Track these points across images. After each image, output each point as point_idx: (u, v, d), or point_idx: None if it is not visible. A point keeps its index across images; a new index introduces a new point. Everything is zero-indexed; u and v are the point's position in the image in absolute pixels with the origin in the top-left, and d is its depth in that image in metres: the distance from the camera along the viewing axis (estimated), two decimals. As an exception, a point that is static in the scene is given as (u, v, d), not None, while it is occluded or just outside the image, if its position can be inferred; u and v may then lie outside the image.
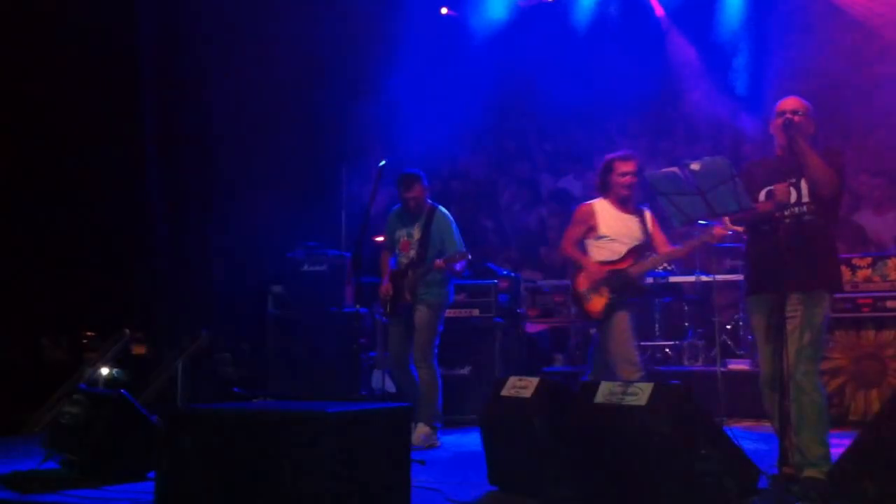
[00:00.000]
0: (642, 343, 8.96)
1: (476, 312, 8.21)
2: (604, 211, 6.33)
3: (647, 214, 6.39)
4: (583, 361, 8.97)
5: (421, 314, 6.87)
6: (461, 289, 8.22)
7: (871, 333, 7.40)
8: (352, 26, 10.70)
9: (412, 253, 6.95)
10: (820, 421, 4.76)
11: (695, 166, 4.84)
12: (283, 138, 10.54)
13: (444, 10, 11.44)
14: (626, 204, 6.35)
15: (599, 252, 6.30)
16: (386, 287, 6.99)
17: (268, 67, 10.50)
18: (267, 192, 10.06)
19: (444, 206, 7.29)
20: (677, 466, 4.12)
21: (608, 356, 6.17)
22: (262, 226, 9.62)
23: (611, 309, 6.12)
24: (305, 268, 8.46)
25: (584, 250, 6.41)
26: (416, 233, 6.97)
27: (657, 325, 9.18)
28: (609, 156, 6.48)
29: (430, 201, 7.13)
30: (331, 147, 9.56)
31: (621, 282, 6.14)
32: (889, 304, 7.38)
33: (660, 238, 6.39)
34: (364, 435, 3.96)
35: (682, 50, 11.20)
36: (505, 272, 8.98)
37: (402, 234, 7.06)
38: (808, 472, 4.63)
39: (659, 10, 11.32)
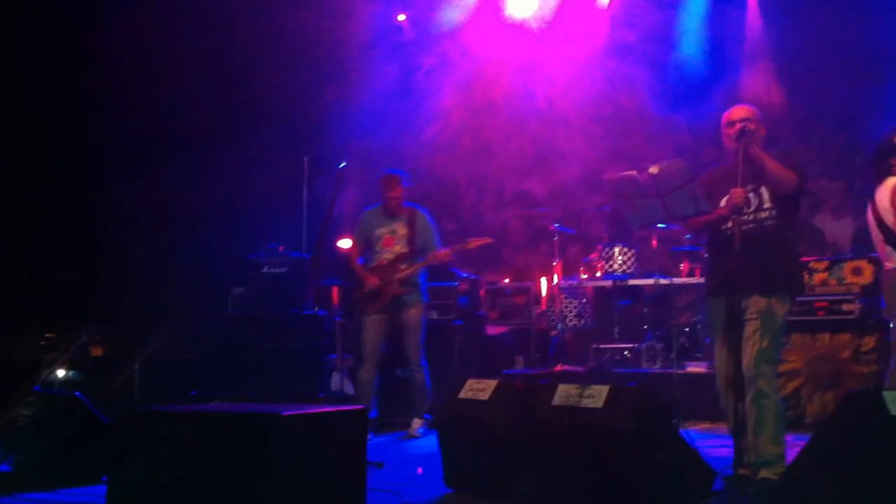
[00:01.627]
0: (601, 346, 9.07)
1: (435, 314, 8.22)
2: None
3: None
4: (542, 364, 9.02)
5: (411, 316, 7.16)
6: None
7: (826, 336, 7.46)
8: (313, 31, 10.65)
9: (398, 248, 7.19)
10: (776, 422, 4.80)
11: (653, 169, 4.86)
12: (246, 140, 10.47)
13: (401, 17, 11.41)
14: None
15: None
16: (373, 280, 7.07)
17: (231, 69, 10.43)
18: (229, 193, 10.00)
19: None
20: (633, 468, 4.13)
21: None
22: (223, 227, 9.56)
23: None
24: (266, 269, 8.43)
25: None
26: (401, 229, 7.23)
27: (616, 328, 9.24)
28: None
29: (407, 202, 7.38)
30: (293, 149, 9.50)
31: None
32: (845, 307, 7.45)
33: None
34: (320, 437, 3.93)
35: (643, 53, 11.25)
36: (465, 274, 8.99)
37: (383, 231, 7.28)
38: (763, 473, 4.67)
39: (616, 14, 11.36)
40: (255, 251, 8.58)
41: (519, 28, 11.73)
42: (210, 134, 10.24)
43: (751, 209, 4.99)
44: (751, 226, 4.96)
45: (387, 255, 7.22)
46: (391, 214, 7.29)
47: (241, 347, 8.15)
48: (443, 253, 7.06)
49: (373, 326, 7.18)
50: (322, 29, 10.48)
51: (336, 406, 4.79)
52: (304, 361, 7.91)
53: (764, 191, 4.99)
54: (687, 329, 9.00)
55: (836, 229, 9.43)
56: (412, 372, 7.23)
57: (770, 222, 4.97)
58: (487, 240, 7.39)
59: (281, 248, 8.62)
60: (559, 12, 11.57)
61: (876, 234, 5.75)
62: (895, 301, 5.72)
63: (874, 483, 3.81)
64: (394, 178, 7.30)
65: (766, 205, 4.99)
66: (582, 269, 9.27)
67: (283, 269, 8.35)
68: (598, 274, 8.97)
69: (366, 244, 7.34)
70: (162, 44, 10.09)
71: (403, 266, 7.12)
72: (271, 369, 7.87)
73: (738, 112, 5.08)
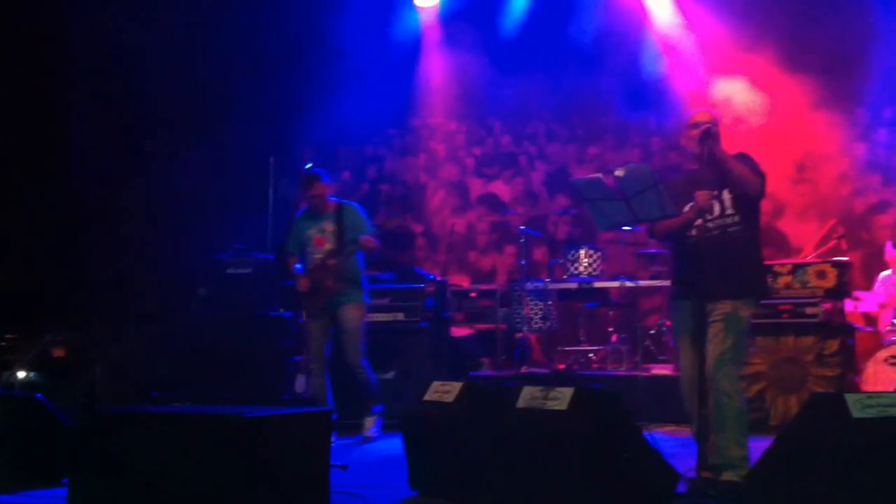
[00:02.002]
0: (567, 348, 9.09)
1: (401, 316, 8.20)
2: None
3: None
4: (508, 366, 9.02)
5: (348, 316, 6.99)
6: (386, 293, 8.22)
7: (790, 339, 7.51)
8: (280, 32, 10.60)
9: (328, 245, 7.02)
10: (739, 424, 4.83)
11: (619, 172, 4.89)
12: (213, 140, 10.39)
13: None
14: None
15: None
16: (304, 282, 6.97)
17: (199, 70, 10.36)
18: (196, 193, 9.92)
19: (371, 209, 7.38)
20: (597, 470, 4.14)
21: None
22: (189, 227, 9.49)
23: None
24: (231, 270, 8.36)
25: None
26: (329, 226, 7.04)
27: (582, 330, 9.26)
28: None
29: (334, 198, 7.16)
30: (259, 148, 9.45)
31: None
32: (808, 310, 7.50)
33: None
34: (283, 439, 3.91)
35: (612, 57, 11.30)
36: (432, 276, 8.98)
37: (312, 232, 7.10)
38: (727, 475, 4.70)
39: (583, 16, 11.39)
40: (221, 251, 8.52)
41: (490, 32, 11.77)
42: (177, 134, 10.17)
43: (714, 215, 5.01)
44: (715, 232, 4.99)
45: (318, 255, 7.05)
46: (318, 213, 7.10)
47: (206, 349, 8.08)
48: (365, 239, 6.93)
49: (314, 329, 7.07)
50: (292, 31, 10.44)
51: (300, 408, 4.76)
52: (269, 363, 7.86)
53: (726, 196, 5.02)
54: (652, 332, 9.05)
55: (801, 233, 9.52)
56: (354, 373, 7.08)
57: (734, 228, 5.01)
58: (398, 221, 7.26)
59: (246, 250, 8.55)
60: (528, 14, 11.61)
61: None
62: None
63: (837, 485, 3.84)
64: (311, 177, 7.06)
65: (729, 211, 5.02)
66: (548, 271, 9.29)
67: (248, 270, 8.28)
68: (564, 276, 8.99)
69: (300, 248, 7.19)
70: (129, 43, 10.02)
71: (331, 262, 6.95)
72: (236, 371, 7.80)
73: (701, 115, 5.11)
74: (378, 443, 7.11)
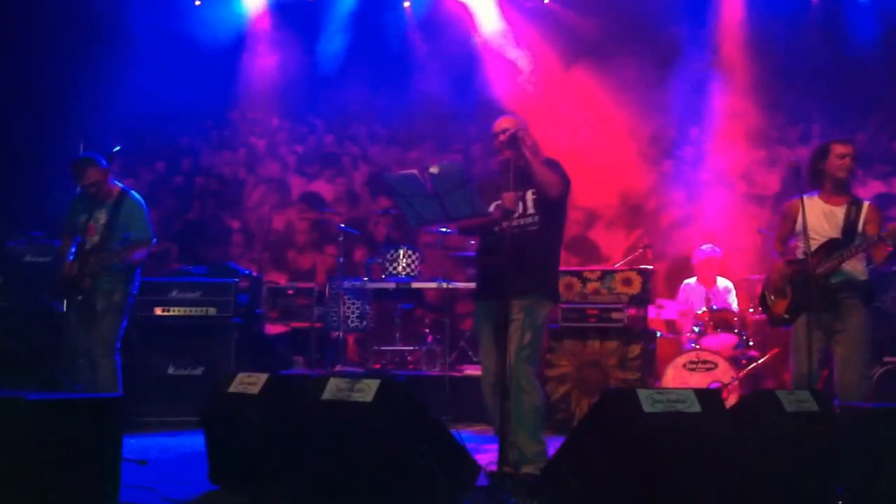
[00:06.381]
0: (382, 348, 9.09)
1: (213, 311, 8.00)
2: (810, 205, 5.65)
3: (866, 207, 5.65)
4: (323, 365, 8.95)
5: (103, 305, 6.46)
6: (197, 286, 8.00)
7: (596, 343, 7.74)
8: (84, 14, 10.16)
9: (96, 238, 6.48)
10: (537, 420, 4.97)
11: (433, 170, 4.93)
12: (15, 123, 9.87)
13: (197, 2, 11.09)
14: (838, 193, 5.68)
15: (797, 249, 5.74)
16: (68, 269, 6.47)
17: (8, 45, 9.85)
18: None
19: (187, 202, 7.11)
20: (397, 462, 4.14)
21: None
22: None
23: (795, 313, 5.63)
24: (28, 258, 7.93)
25: None
26: (103, 217, 6.51)
27: (398, 331, 9.29)
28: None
29: (121, 185, 6.70)
30: (66, 132, 9.03)
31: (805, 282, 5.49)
32: (614, 315, 7.76)
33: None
34: (67, 425, 3.73)
35: (435, 62, 11.42)
36: (247, 272, 8.82)
37: (85, 219, 6.52)
38: (525, 469, 4.83)
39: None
40: (16, 238, 8.07)
41: (314, 30, 11.69)
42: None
43: (517, 215, 5.16)
44: (515, 231, 5.12)
45: (88, 245, 6.47)
46: (96, 200, 6.57)
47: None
48: (129, 248, 6.36)
49: (69, 322, 6.52)
50: (95, 12, 10.04)
51: (86, 395, 4.56)
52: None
53: (528, 197, 5.19)
54: (468, 333, 9.16)
55: (610, 242, 9.87)
56: (98, 363, 6.44)
57: (533, 228, 5.19)
58: (146, 242, 6.71)
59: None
60: (354, 18, 11.59)
61: None
62: None
63: (628, 475, 3.97)
64: (83, 164, 6.55)
65: (531, 211, 5.20)
66: (366, 271, 9.27)
67: (48, 259, 7.86)
68: (382, 276, 8.99)
69: (73, 233, 6.64)
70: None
71: (93, 259, 6.38)
72: (29, 362, 7.42)
73: (505, 122, 5.30)
74: (182, 440, 6.91)
